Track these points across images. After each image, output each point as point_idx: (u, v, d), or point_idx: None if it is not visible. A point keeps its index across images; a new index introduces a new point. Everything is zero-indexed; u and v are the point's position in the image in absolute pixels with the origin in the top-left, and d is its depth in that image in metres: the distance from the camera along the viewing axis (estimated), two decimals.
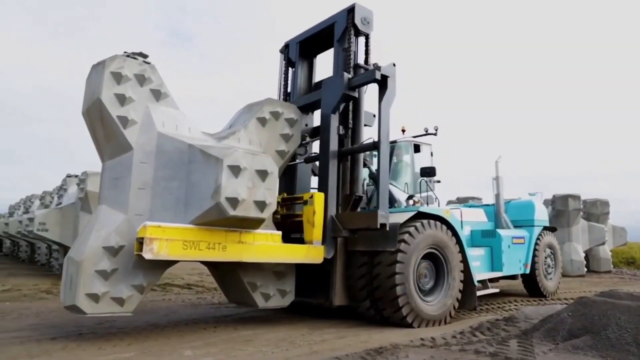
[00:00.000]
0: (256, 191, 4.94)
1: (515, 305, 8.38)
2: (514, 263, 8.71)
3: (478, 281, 7.73)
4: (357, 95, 6.45)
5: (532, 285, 9.29)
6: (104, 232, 4.84)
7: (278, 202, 6.57)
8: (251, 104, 6.41)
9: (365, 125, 6.93)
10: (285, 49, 7.89)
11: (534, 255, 9.15)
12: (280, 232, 5.67)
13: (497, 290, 7.91)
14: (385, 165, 5.91)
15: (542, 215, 9.74)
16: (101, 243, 4.76)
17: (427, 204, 7.64)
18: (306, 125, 7.31)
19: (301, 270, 6.53)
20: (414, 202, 7.02)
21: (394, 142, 8.06)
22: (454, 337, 5.03)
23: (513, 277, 9.16)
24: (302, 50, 7.66)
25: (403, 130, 8.54)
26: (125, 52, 5.31)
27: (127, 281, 4.88)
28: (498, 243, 8.50)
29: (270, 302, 5.94)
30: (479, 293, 7.21)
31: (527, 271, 9.00)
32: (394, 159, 8.03)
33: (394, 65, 6.18)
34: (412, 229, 5.98)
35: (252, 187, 4.91)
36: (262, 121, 6.16)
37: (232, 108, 8.31)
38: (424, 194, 7.90)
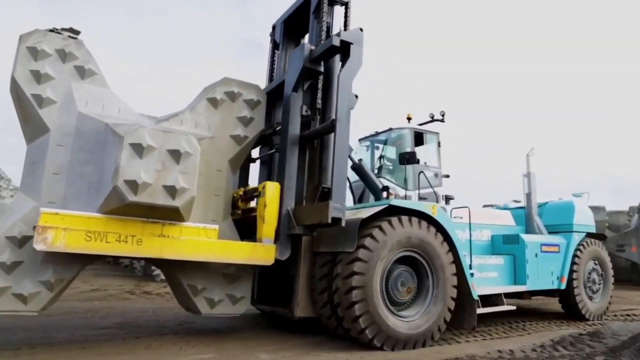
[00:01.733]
0: (167, 174, 4.21)
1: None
2: (544, 276, 7.16)
3: (491, 295, 6.40)
4: (322, 70, 5.52)
5: (569, 304, 7.61)
6: (10, 221, 4.37)
7: (240, 196, 5.83)
8: (207, 86, 5.73)
9: None
10: (273, 31, 7.18)
11: (572, 267, 7.50)
12: (217, 227, 4.88)
13: (512, 308, 6.46)
14: (342, 147, 4.93)
15: (584, 220, 8.01)
16: (4, 232, 4.28)
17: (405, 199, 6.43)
18: None
19: (269, 275, 5.73)
20: (388, 195, 5.89)
21: (389, 129, 6.98)
22: (534, 351, 4.80)
23: (548, 293, 7.60)
24: (287, 30, 6.88)
25: (409, 119, 7.43)
26: (53, 28, 4.89)
27: (34, 276, 4.34)
28: (521, 251, 7.04)
29: (217, 309, 5.15)
30: (484, 310, 5.89)
31: (563, 286, 7.37)
32: (390, 150, 6.94)
33: (361, 30, 5.20)
34: (379, 227, 4.91)
35: (161, 169, 4.20)
36: (214, 102, 5.45)
37: None
38: (424, 191, 6.71)
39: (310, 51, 5.38)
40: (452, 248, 5.52)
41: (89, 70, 4.87)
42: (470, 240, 6.58)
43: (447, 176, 7.18)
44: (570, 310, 7.62)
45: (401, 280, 5.14)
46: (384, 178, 6.68)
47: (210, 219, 5.18)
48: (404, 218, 5.11)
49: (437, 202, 6.83)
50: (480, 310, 5.80)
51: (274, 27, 7.15)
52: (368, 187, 6.39)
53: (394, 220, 5.03)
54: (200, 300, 5.08)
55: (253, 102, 5.70)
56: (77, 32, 5.00)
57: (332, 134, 5.42)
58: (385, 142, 6.91)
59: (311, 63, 5.39)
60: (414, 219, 5.18)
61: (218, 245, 4.80)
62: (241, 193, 5.84)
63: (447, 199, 7.80)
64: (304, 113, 5.49)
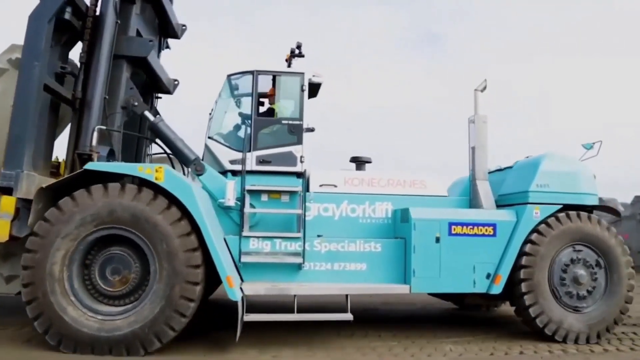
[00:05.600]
0: None
1: None
2: (453, 272, 4.65)
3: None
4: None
5: (524, 317, 4.78)
6: None
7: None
8: None
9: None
10: None
11: (522, 259, 4.66)
12: None
13: (347, 317, 4.38)
14: (22, 94, 4.13)
15: (559, 184, 4.84)
16: None
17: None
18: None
19: None
20: (109, 159, 4.57)
21: (227, 77, 5.46)
22: None
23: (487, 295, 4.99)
24: None
25: (288, 60, 5.77)
26: None
27: None
28: (408, 233, 4.73)
29: None
30: (256, 317, 4.20)
31: (497, 289, 4.65)
32: (225, 103, 5.48)
33: None
34: (71, 197, 3.96)
35: None
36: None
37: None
38: (279, 150, 5.13)
39: None
40: (198, 226, 4.04)
41: None
42: (304, 216, 4.73)
43: (312, 130, 5.30)
44: (532, 327, 4.79)
45: (114, 266, 4.02)
46: (213, 139, 5.29)
47: None
48: (99, 187, 3.95)
49: (295, 165, 5.13)
50: (252, 318, 4.12)
51: None
52: (173, 153, 5.17)
53: (92, 189, 3.97)
54: None
55: None
56: None
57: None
58: (220, 94, 5.46)
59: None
60: (115, 187, 3.96)
61: None
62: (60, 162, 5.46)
63: (360, 161, 5.86)
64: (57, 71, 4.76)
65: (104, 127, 4.78)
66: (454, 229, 4.70)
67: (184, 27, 6.55)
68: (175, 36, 6.49)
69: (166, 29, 6.30)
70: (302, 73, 5.33)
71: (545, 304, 4.62)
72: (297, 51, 5.45)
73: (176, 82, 6.46)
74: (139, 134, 5.42)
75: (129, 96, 5.03)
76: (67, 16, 4.65)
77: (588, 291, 4.77)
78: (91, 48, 4.85)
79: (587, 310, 4.76)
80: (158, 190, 4.08)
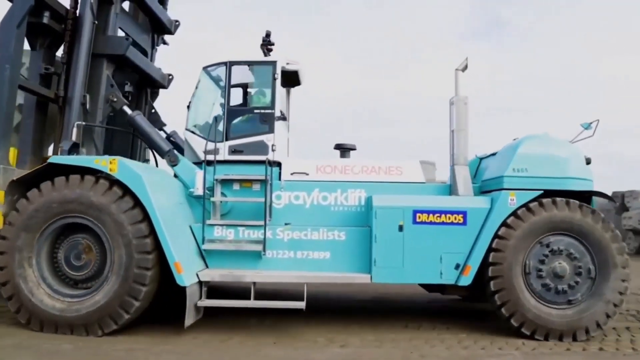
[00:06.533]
0: None
1: None
2: (419, 262, 4.41)
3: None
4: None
5: (498, 314, 4.41)
6: None
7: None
8: None
9: None
10: None
11: (493, 250, 4.30)
12: None
13: (299, 305, 4.30)
14: None
15: (538, 168, 4.37)
16: None
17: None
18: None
19: None
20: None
21: (208, 66, 5.54)
22: None
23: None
24: None
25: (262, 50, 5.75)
26: None
27: None
28: (369, 222, 4.56)
29: None
30: (209, 303, 4.28)
31: (466, 281, 4.35)
32: (202, 95, 5.56)
33: None
34: (33, 192, 4.28)
35: None
36: None
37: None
38: (250, 140, 5.18)
39: None
40: (149, 214, 4.21)
41: None
42: (269, 203, 4.72)
43: (283, 118, 5.26)
44: (505, 323, 4.42)
45: (77, 252, 4.30)
46: (190, 130, 5.41)
47: None
48: (60, 180, 4.23)
49: (266, 153, 5.13)
50: (206, 303, 4.21)
51: None
52: (149, 145, 5.37)
53: (56, 180, 4.28)
54: None
55: None
56: None
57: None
58: (196, 86, 5.53)
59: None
60: (75, 179, 4.21)
61: None
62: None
63: (344, 148, 5.75)
64: (42, 72, 5.13)
65: (83, 123, 5.09)
66: (419, 217, 4.45)
67: (177, 23, 6.76)
68: (169, 32, 6.72)
69: (159, 26, 6.54)
70: (274, 62, 5.28)
71: (519, 302, 4.24)
72: (267, 40, 5.41)
73: (170, 77, 6.70)
74: (119, 128, 5.68)
75: (108, 93, 5.31)
76: (45, 20, 5.00)
77: (571, 285, 4.31)
78: (71, 48, 5.18)
79: (571, 305, 4.30)
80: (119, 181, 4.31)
